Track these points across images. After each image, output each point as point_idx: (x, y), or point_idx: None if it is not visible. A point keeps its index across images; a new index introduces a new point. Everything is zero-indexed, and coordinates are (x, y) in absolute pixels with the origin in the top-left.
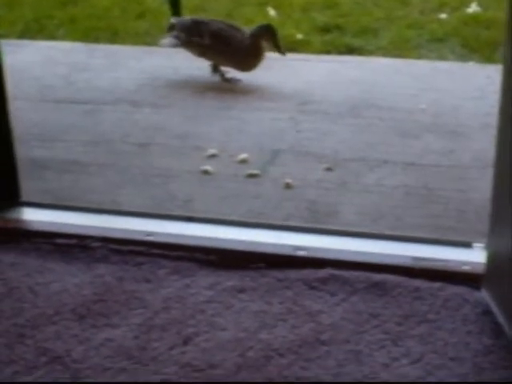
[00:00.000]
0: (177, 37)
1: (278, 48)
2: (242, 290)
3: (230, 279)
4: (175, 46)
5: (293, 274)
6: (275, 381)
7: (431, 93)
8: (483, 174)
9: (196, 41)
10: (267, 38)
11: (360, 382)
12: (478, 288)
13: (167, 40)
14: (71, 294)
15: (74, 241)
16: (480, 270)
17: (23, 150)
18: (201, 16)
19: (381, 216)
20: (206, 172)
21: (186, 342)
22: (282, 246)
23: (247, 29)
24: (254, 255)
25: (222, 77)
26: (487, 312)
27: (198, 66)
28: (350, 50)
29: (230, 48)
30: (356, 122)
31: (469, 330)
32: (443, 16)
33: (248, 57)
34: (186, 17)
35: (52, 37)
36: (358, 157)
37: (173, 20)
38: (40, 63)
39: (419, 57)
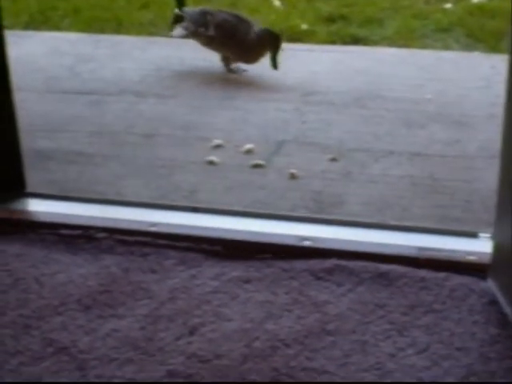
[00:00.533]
0: (186, 27)
1: (274, 60)
2: (247, 281)
3: (236, 270)
4: (185, 36)
5: (298, 264)
6: (281, 371)
7: (436, 83)
8: (489, 164)
9: (201, 31)
10: (270, 45)
11: (366, 372)
12: (484, 278)
13: (177, 31)
14: (77, 284)
15: (79, 232)
16: (486, 260)
17: (28, 141)
18: (208, 6)
19: (386, 206)
20: (211, 162)
21: (192, 333)
22: (288, 236)
23: (255, 21)
24: (259, 245)
25: (226, 67)
26: (493, 302)
27: (203, 57)
28: (355, 40)
29: (234, 40)
30: (361, 113)
31: (475, 320)
32: (448, 6)
33: (251, 50)
34: (195, 7)
35: (57, 28)
36: (363, 147)
37: (178, 11)
38: (45, 54)
39: (424, 47)
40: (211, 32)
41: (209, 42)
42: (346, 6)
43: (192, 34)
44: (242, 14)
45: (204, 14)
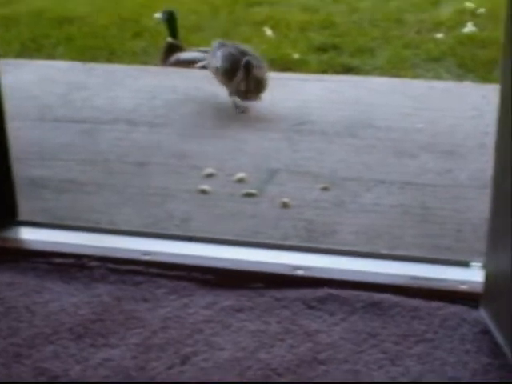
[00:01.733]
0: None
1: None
2: (239, 310)
3: (228, 299)
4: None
5: (291, 293)
6: None
7: (428, 112)
8: (480, 194)
9: (210, 62)
10: (244, 72)
11: None
12: (476, 307)
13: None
14: (69, 313)
15: (71, 260)
16: (478, 289)
17: (21, 169)
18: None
19: (378, 235)
20: (203, 191)
21: (184, 362)
22: (280, 265)
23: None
24: (251, 274)
25: (233, 103)
26: (485, 331)
27: (195, 86)
28: (347, 70)
29: (234, 76)
30: (353, 142)
31: (467, 350)
32: (439, 36)
33: (243, 87)
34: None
35: (49, 56)
36: (354, 176)
37: (170, 40)
38: (38, 82)
39: (416, 76)
40: (218, 64)
41: (215, 75)
42: (338, 36)
43: (207, 65)
44: (249, 49)
45: (219, 45)
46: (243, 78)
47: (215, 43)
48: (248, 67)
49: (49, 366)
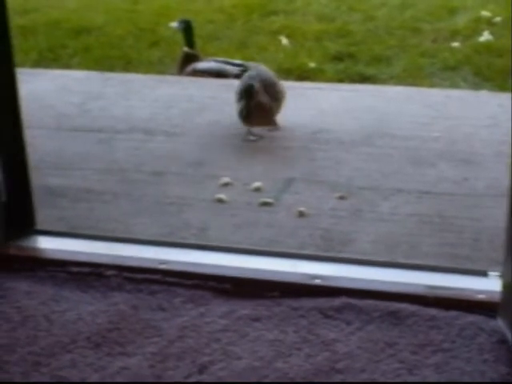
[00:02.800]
0: None
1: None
2: (256, 319)
3: (245, 308)
4: None
5: (307, 302)
6: None
7: (444, 121)
8: (497, 202)
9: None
10: (244, 97)
11: None
12: (493, 317)
13: None
14: (86, 322)
15: (88, 269)
16: (495, 298)
17: (38, 178)
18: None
19: (395, 244)
20: (219, 200)
21: (201, 371)
22: (297, 274)
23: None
24: (268, 284)
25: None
26: (503, 341)
27: (211, 95)
28: (363, 79)
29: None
30: (369, 151)
31: (485, 359)
32: (455, 44)
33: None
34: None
35: (66, 65)
36: (371, 185)
37: (186, 49)
38: (55, 92)
39: (432, 85)
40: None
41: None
42: (354, 45)
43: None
44: (271, 76)
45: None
46: (244, 104)
47: (252, 64)
48: (249, 92)
49: (67, 375)
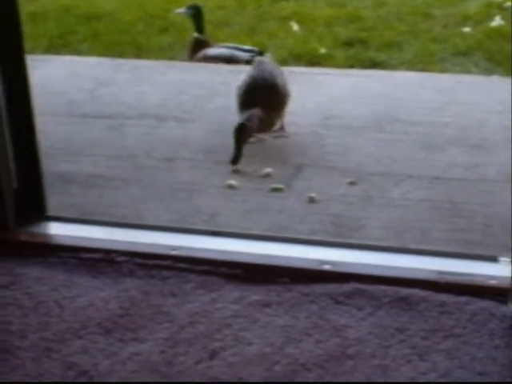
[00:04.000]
0: None
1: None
2: (267, 305)
3: (256, 293)
4: None
5: (318, 288)
6: None
7: (455, 106)
8: (508, 188)
9: None
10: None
11: None
12: (504, 302)
13: None
14: (98, 308)
15: (99, 255)
16: (506, 284)
17: (49, 165)
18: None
19: (406, 230)
20: (230, 186)
21: (212, 357)
22: (307, 260)
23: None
24: (279, 269)
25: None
26: None
27: (222, 81)
28: (374, 64)
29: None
30: (380, 137)
31: (496, 345)
32: (467, 30)
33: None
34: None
35: (76, 52)
36: (382, 171)
37: (196, 35)
38: (65, 78)
39: (443, 70)
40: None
41: None
42: (365, 30)
43: None
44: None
45: (257, 64)
46: (235, 146)
47: (256, 59)
48: (241, 132)
49: (78, 361)
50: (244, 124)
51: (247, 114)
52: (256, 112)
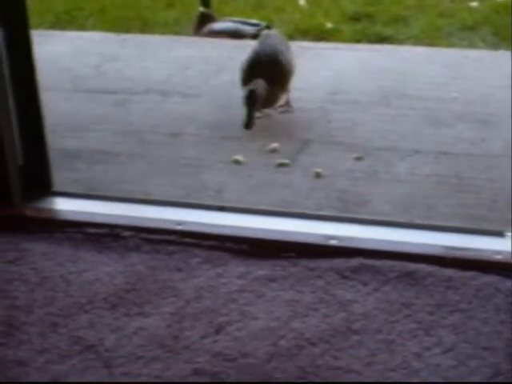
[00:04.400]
0: None
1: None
2: (273, 280)
3: (262, 268)
4: None
5: (324, 263)
6: (307, 370)
7: (462, 81)
8: None
9: None
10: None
11: (392, 371)
12: (510, 277)
13: None
14: (103, 283)
15: (105, 230)
16: None
17: (55, 141)
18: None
19: (412, 205)
20: (236, 161)
21: (218, 331)
22: (313, 235)
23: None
24: (284, 244)
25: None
26: None
27: (228, 56)
28: (381, 39)
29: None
30: (387, 112)
31: (501, 320)
32: (474, 4)
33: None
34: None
35: (82, 27)
36: (388, 146)
37: (202, 9)
38: (71, 54)
39: (450, 45)
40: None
41: None
42: (372, 5)
43: None
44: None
45: (264, 37)
46: (246, 113)
47: (263, 32)
48: (251, 99)
49: (84, 335)
50: (253, 90)
51: (252, 84)
52: (260, 82)
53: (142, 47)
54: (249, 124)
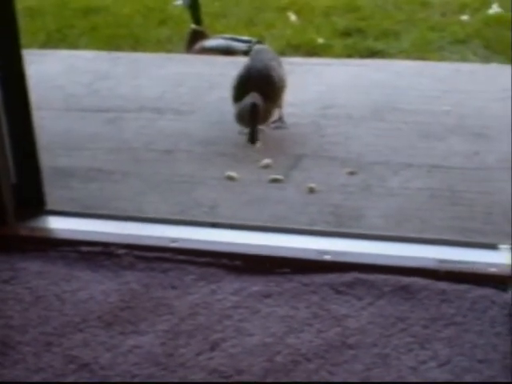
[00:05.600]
0: None
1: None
2: (267, 295)
3: (256, 284)
4: None
5: (318, 278)
6: None
7: (454, 95)
8: (508, 176)
9: None
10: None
11: None
12: (505, 289)
13: None
14: (98, 301)
15: (99, 248)
16: (507, 271)
17: (48, 159)
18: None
19: (406, 219)
20: (230, 178)
21: (213, 348)
22: (307, 250)
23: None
24: (279, 260)
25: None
26: None
27: (220, 73)
28: (372, 54)
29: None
30: (379, 126)
31: (497, 332)
32: (465, 17)
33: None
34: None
35: (74, 46)
36: (381, 160)
37: (194, 27)
38: (63, 72)
39: (441, 59)
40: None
41: None
42: (362, 20)
43: None
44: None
45: (255, 52)
46: (250, 128)
47: (254, 48)
48: (253, 113)
49: (78, 354)
50: (255, 103)
51: (247, 98)
52: (256, 94)
53: (135, 65)
54: (253, 138)
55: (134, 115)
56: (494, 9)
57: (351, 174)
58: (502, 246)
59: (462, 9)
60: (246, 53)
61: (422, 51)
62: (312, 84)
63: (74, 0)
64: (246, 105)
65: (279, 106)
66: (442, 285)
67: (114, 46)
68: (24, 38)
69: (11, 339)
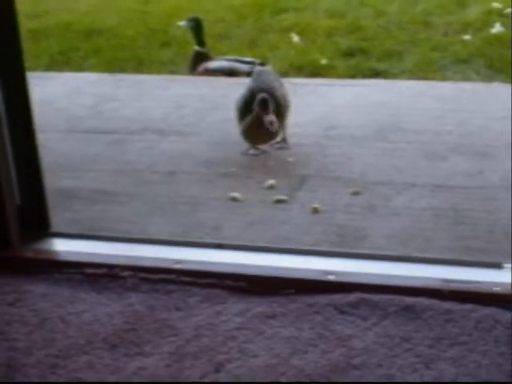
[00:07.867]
0: None
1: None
2: (272, 316)
3: (260, 305)
4: None
5: (322, 298)
6: None
7: (457, 114)
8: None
9: None
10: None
11: None
12: (509, 309)
13: None
14: (102, 323)
15: (103, 270)
16: (511, 290)
17: (52, 181)
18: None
19: (410, 239)
20: (233, 199)
21: (218, 370)
22: (311, 270)
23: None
24: (283, 281)
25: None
26: None
27: (223, 94)
28: (375, 74)
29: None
30: (382, 146)
31: (501, 352)
32: (467, 37)
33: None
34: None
35: (78, 68)
36: (385, 180)
37: (197, 48)
38: (67, 95)
39: (444, 78)
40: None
41: None
42: (365, 40)
43: None
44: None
45: (257, 74)
46: (253, 120)
47: (256, 69)
48: (264, 104)
49: (83, 376)
50: (264, 96)
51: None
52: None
53: (138, 87)
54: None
55: (137, 137)
56: (497, 28)
57: (355, 194)
58: (505, 265)
59: (464, 28)
60: (249, 74)
61: (424, 71)
62: (315, 104)
63: (78, 22)
64: (257, 98)
65: (283, 127)
66: (447, 304)
67: (117, 68)
68: (28, 60)
69: (16, 362)
